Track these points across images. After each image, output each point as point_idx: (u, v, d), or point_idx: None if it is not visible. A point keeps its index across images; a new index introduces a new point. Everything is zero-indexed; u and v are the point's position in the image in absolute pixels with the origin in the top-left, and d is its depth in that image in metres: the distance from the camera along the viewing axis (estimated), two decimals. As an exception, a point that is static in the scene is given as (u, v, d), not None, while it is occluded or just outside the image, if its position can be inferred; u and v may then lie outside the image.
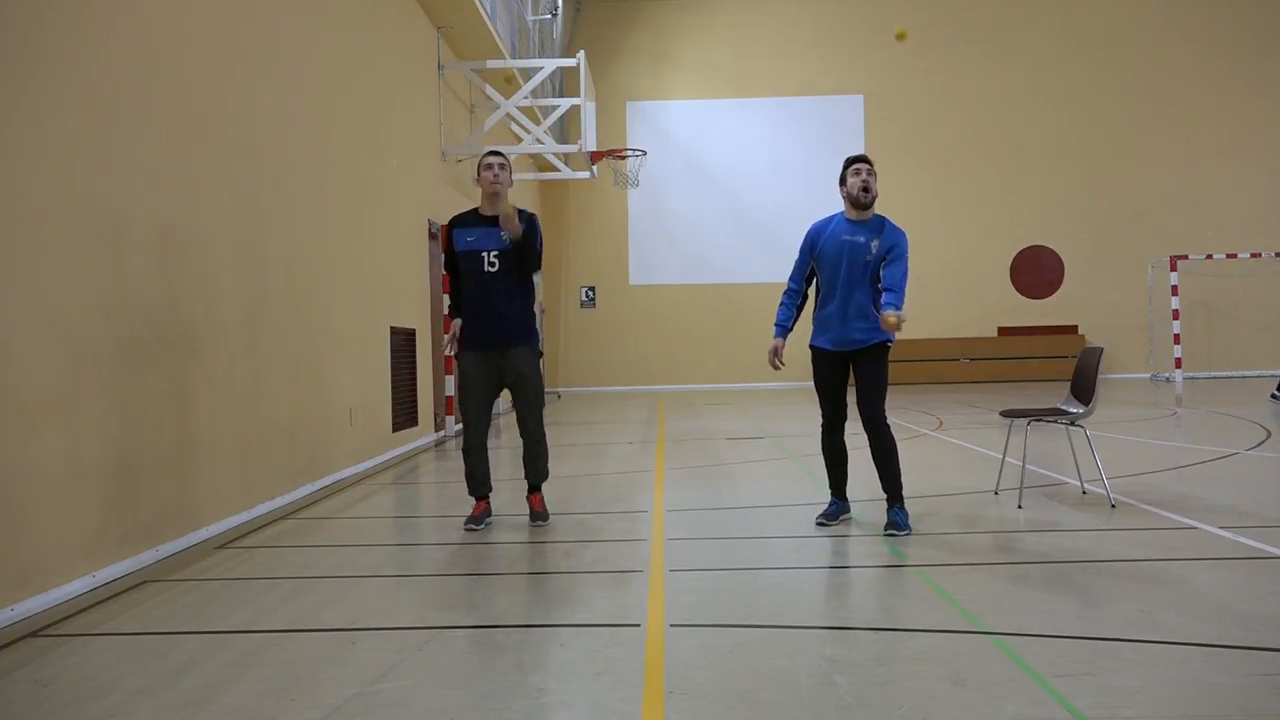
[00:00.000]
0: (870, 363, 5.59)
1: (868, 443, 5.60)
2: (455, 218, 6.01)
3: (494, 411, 6.18)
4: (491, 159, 5.90)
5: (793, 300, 5.84)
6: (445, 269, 6.15)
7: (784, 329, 5.84)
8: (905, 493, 5.57)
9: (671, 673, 3.33)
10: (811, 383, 5.77)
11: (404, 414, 10.60)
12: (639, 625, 3.88)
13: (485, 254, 5.80)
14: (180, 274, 5.70)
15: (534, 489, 6.16)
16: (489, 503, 6.09)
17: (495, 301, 5.82)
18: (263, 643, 3.85)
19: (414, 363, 11.07)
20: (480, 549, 5.55)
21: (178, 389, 5.61)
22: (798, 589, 4.46)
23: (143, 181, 5.32)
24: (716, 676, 3.30)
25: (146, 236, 5.34)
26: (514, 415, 6.22)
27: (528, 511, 6.16)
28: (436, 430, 11.99)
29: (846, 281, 5.55)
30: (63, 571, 4.52)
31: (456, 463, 9.95)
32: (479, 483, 6.02)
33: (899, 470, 5.53)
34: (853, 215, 5.58)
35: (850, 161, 5.60)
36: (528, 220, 5.80)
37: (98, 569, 4.76)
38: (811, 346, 5.79)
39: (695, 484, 7.72)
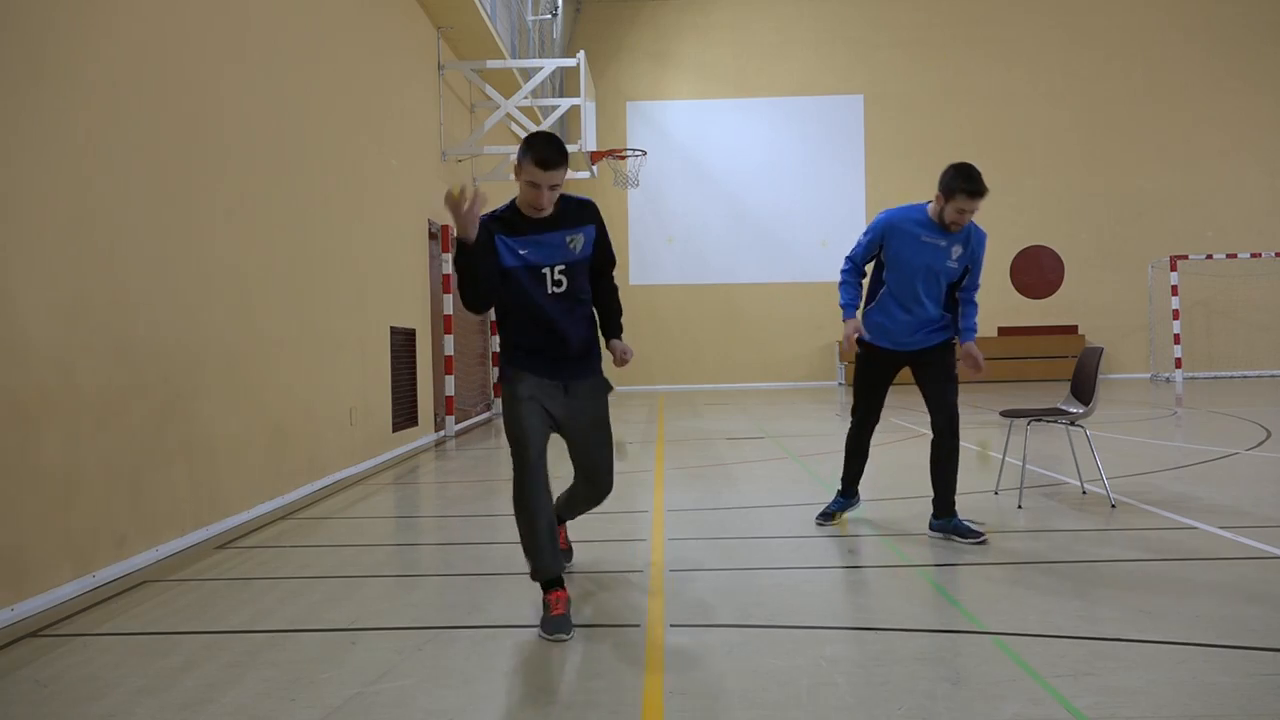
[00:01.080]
0: (940, 358, 5.38)
1: (934, 444, 5.36)
2: (492, 217, 4.57)
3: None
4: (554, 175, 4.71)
5: (856, 279, 5.51)
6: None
7: (854, 308, 5.48)
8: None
9: (671, 673, 3.33)
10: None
11: (404, 414, 10.60)
12: (639, 625, 3.88)
13: (548, 270, 4.16)
14: (179, 274, 5.69)
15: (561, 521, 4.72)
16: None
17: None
18: (263, 643, 3.85)
19: (414, 363, 11.07)
20: (480, 549, 5.55)
21: (177, 389, 5.61)
22: (797, 589, 4.46)
23: (141, 182, 5.32)
24: (716, 676, 3.30)
25: (145, 237, 5.34)
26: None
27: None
28: (436, 430, 11.99)
29: (926, 294, 5.31)
30: (63, 571, 4.52)
31: (456, 462, 9.95)
32: (545, 551, 4.03)
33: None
34: (937, 220, 5.25)
35: (966, 187, 5.00)
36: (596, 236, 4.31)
37: (98, 569, 4.76)
38: (868, 344, 5.50)
39: (695, 484, 7.72)
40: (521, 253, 4.06)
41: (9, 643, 3.90)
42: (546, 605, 3.88)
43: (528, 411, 4.09)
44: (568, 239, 4.13)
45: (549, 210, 4.05)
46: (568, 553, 4.88)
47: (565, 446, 4.31)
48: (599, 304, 4.43)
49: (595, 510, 6.45)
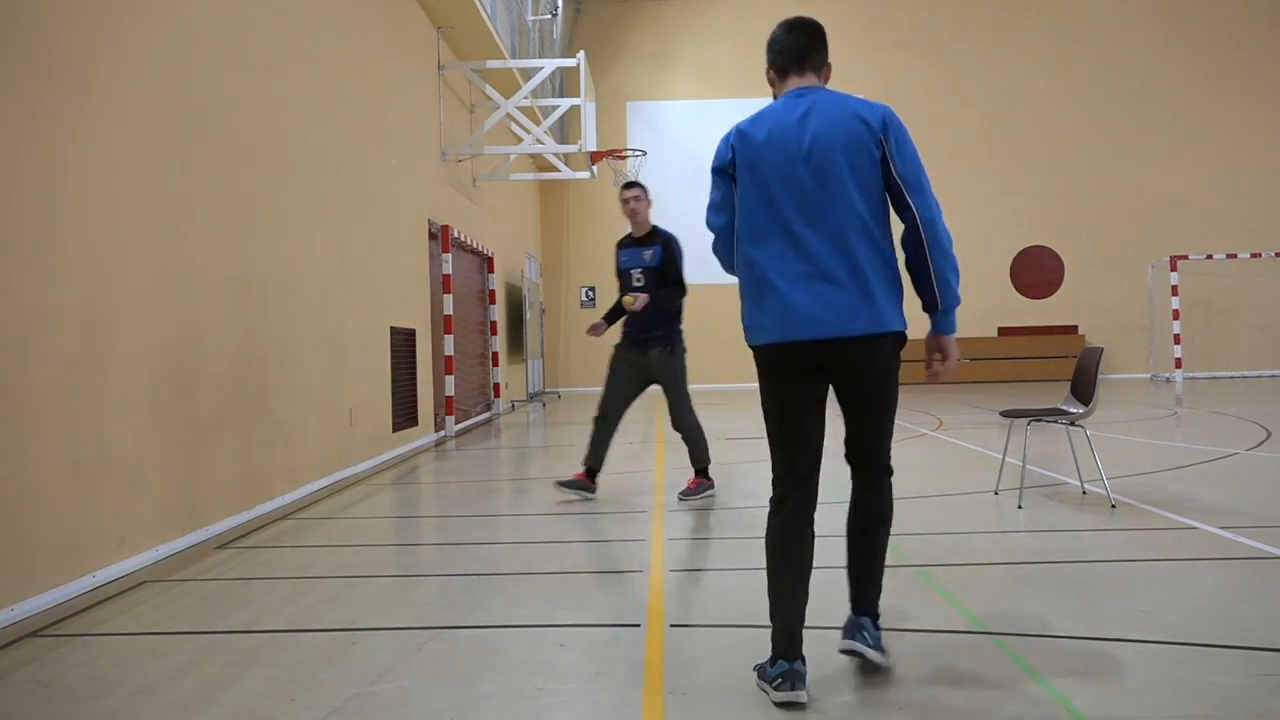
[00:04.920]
0: None
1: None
2: (618, 241, 6.99)
3: (628, 403, 6.85)
4: (626, 192, 6.84)
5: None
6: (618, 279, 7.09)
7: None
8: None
9: (671, 673, 3.33)
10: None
11: (404, 414, 10.60)
12: (639, 625, 3.88)
13: (633, 271, 6.75)
14: (179, 275, 5.69)
15: (696, 471, 6.81)
16: (591, 480, 6.74)
17: (640, 310, 6.63)
18: (263, 643, 3.85)
19: (414, 363, 11.07)
20: (480, 549, 5.55)
21: (177, 389, 5.61)
22: (798, 589, 4.45)
23: (139, 182, 5.32)
24: (716, 676, 3.30)
25: (143, 238, 5.34)
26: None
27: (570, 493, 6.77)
28: (436, 430, 11.99)
29: None
30: (63, 571, 4.52)
31: (456, 463, 9.96)
32: (591, 452, 6.75)
33: None
34: None
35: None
36: (662, 254, 6.70)
37: (98, 569, 4.76)
38: None
39: (695, 484, 7.71)
40: (623, 260, 6.92)
41: (9, 643, 3.90)
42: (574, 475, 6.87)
43: (615, 372, 6.88)
44: (645, 253, 6.87)
45: None
46: (693, 491, 6.75)
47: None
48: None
49: (595, 510, 6.48)
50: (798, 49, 3.29)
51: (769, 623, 3.13)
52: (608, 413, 6.77)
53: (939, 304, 3.19)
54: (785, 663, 3.02)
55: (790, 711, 2.97)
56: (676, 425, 6.74)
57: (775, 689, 2.98)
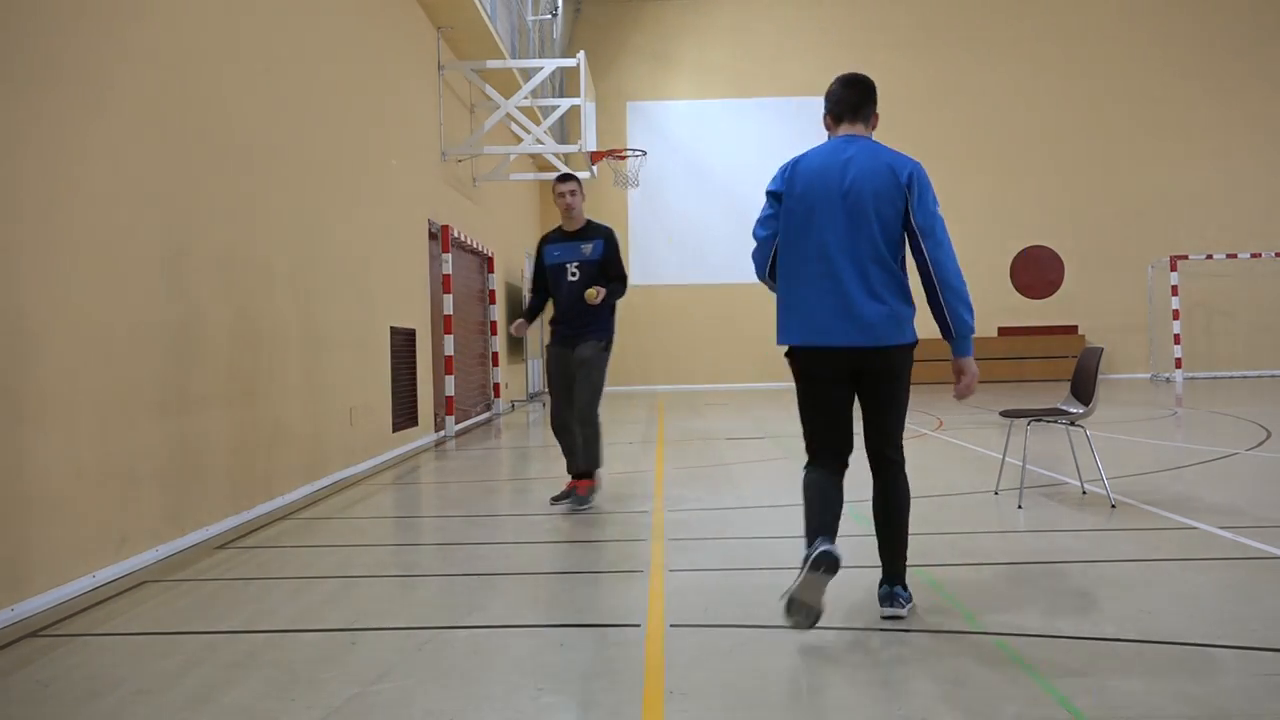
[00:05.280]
0: None
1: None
2: (543, 236, 6.77)
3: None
4: (564, 185, 6.60)
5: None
6: (534, 279, 6.91)
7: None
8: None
9: (671, 673, 3.33)
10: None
11: (404, 414, 10.60)
12: (639, 625, 3.88)
13: (569, 265, 6.55)
14: (178, 275, 5.69)
15: (579, 474, 6.55)
16: (589, 480, 6.57)
17: (574, 303, 6.50)
18: (263, 643, 3.85)
19: (414, 363, 11.07)
20: (480, 549, 5.55)
21: (177, 389, 5.61)
22: (798, 589, 4.45)
23: (138, 183, 5.32)
24: (716, 676, 3.30)
25: (144, 238, 5.34)
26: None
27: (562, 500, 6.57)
28: (436, 430, 11.99)
29: None
30: (63, 571, 4.52)
31: (456, 463, 9.96)
32: (570, 460, 6.63)
33: None
34: None
35: None
36: (605, 248, 6.55)
37: (98, 569, 4.76)
38: None
39: (695, 484, 7.72)
40: (555, 254, 6.76)
41: (9, 643, 3.90)
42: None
43: (553, 378, 6.66)
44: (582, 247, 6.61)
45: None
46: (583, 498, 6.50)
47: None
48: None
49: (595, 510, 6.47)
50: (852, 103, 3.97)
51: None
52: (565, 420, 6.58)
53: (953, 333, 3.82)
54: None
55: (789, 712, 2.97)
56: (583, 418, 6.46)
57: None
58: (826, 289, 3.74)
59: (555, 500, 6.61)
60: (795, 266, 3.82)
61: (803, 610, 3.52)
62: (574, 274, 6.52)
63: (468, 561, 5.26)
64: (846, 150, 3.87)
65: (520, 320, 6.76)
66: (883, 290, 3.73)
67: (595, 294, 6.35)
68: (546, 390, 6.19)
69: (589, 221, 6.72)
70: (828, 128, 4.05)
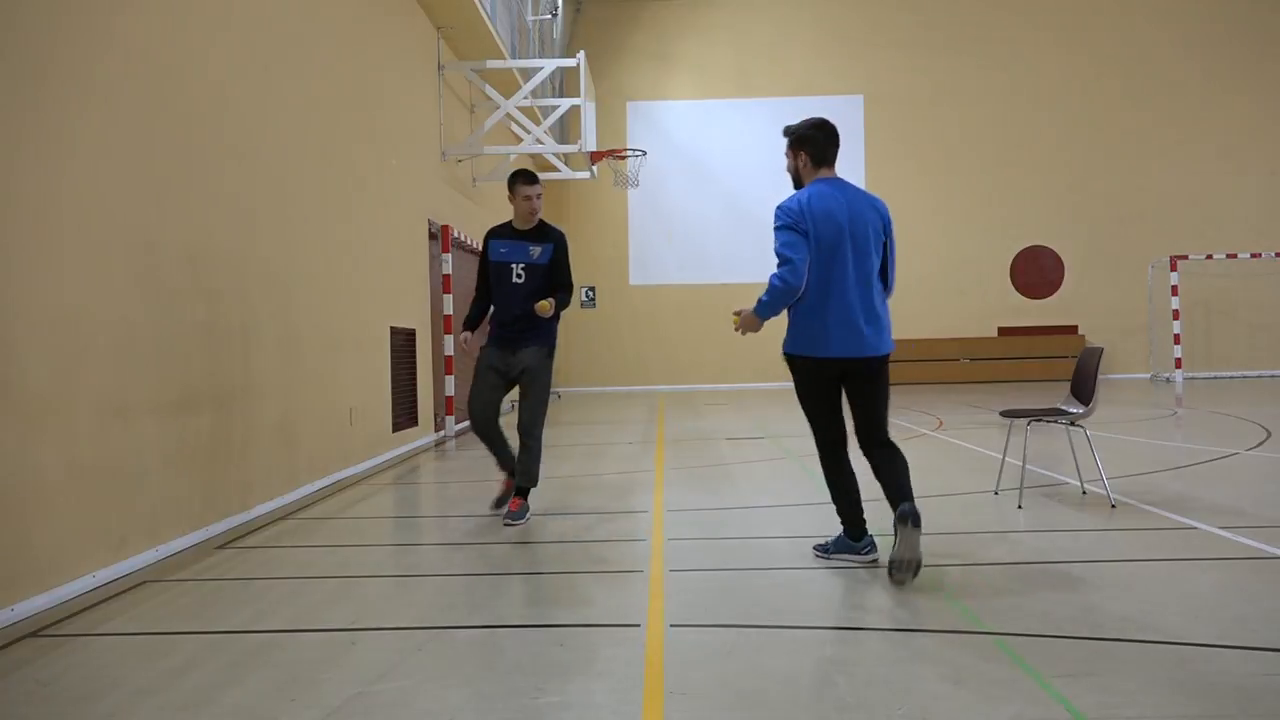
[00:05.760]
0: None
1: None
2: (491, 229, 6.42)
3: (501, 408, 6.43)
4: (530, 189, 6.33)
5: None
6: (478, 275, 6.47)
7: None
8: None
9: (671, 673, 3.33)
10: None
11: (404, 414, 10.60)
12: (639, 625, 3.88)
13: (514, 266, 6.24)
14: (178, 276, 5.69)
15: (517, 490, 6.16)
16: (509, 483, 6.31)
17: (515, 307, 6.21)
18: (263, 643, 3.85)
19: (414, 363, 11.07)
20: (480, 549, 5.55)
21: (177, 390, 5.61)
22: (797, 589, 4.46)
23: (137, 183, 5.32)
24: (716, 676, 3.30)
25: (140, 239, 5.34)
26: (513, 415, 6.25)
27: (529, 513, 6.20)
28: (436, 430, 11.99)
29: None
30: (63, 571, 4.52)
31: (456, 463, 9.96)
32: (499, 459, 6.36)
33: None
34: None
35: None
36: (555, 252, 6.27)
37: (98, 569, 4.76)
38: None
39: (695, 484, 7.72)
40: (502, 250, 6.27)
41: (9, 643, 3.90)
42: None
43: (482, 375, 6.36)
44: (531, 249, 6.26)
45: None
46: (516, 515, 6.09)
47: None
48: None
49: (595, 510, 6.48)
50: (834, 151, 4.78)
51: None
52: (487, 431, 6.27)
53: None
54: (864, 538, 4.82)
55: (789, 711, 2.97)
56: (525, 430, 6.12)
57: (863, 553, 4.79)
58: (835, 312, 4.58)
59: (497, 505, 6.37)
60: (809, 295, 4.61)
61: (907, 566, 4.20)
62: (519, 276, 6.17)
63: (468, 561, 5.26)
64: (842, 194, 4.66)
65: (466, 333, 6.44)
66: (879, 309, 4.66)
67: (548, 306, 6.00)
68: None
69: (542, 222, 6.38)
70: (800, 167, 4.77)
